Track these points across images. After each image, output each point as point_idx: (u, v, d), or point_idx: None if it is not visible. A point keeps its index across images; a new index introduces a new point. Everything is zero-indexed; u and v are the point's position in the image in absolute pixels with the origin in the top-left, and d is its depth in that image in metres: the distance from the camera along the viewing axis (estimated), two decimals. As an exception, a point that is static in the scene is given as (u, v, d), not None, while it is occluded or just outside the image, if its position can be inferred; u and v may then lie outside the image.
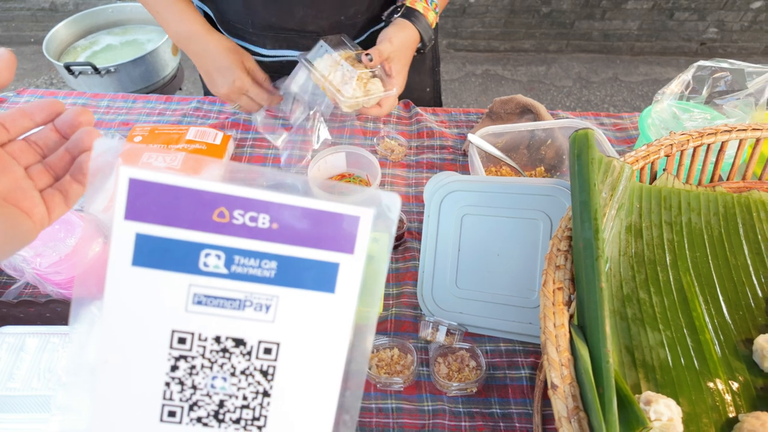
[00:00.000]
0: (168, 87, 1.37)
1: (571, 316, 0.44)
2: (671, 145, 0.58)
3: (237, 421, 0.27)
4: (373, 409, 0.57)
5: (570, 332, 0.41)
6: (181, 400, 0.27)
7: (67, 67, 1.20)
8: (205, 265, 0.25)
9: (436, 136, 0.88)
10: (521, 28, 2.54)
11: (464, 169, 0.83)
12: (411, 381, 0.58)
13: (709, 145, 0.61)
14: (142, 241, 0.25)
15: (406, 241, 0.73)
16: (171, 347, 0.26)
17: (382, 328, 0.64)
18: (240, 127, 0.87)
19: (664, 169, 0.60)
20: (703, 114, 0.68)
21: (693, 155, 0.61)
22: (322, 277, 0.26)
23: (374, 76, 0.71)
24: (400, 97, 0.94)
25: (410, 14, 0.75)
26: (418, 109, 0.92)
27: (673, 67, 2.60)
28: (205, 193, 0.25)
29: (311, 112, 0.81)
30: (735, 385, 0.45)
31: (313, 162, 0.73)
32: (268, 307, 0.26)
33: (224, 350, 0.26)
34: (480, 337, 0.63)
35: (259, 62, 0.84)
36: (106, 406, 0.26)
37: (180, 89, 1.44)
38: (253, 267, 0.26)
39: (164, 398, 0.26)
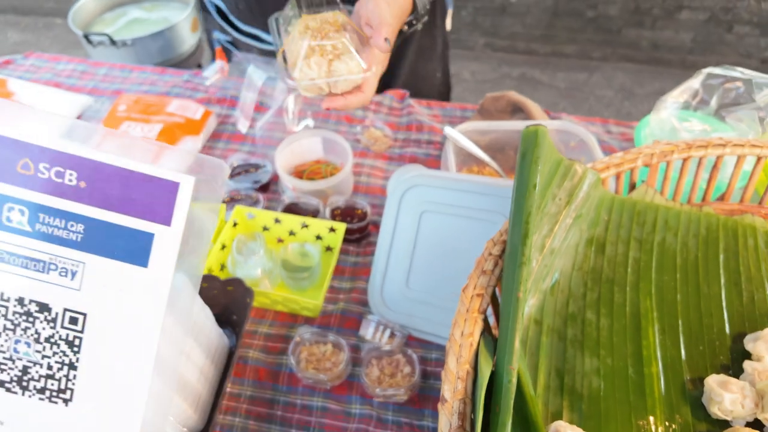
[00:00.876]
0: (186, 63, 1.39)
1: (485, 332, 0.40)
2: (652, 154, 0.52)
3: (42, 391, 0.25)
4: (297, 404, 0.54)
5: (479, 344, 0.37)
6: (-19, 362, 0.25)
7: (86, 37, 1.24)
8: (8, 219, 0.23)
9: (425, 130, 0.84)
10: (564, 31, 2.43)
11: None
12: (341, 380, 0.55)
13: (701, 159, 0.54)
14: (-64, 186, 0.23)
15: (369, 234, 0.69)
16: (-29, 304, 0.24)
17: (325, 322, 0.61)
18: (226, 103, 0.86)
19: (643, 181, 0.54)
20: (702, 125, 0.61)
21: (682, 170, 0.55)
22: (134, 248, 0.24)
23: (346, 52, 0.53)
24: (405, 87, 0.91)
25: None
26: (411, 101, 0.88)
27: (727, 84, 2.43)
28: (9, 140, 0.23)
29: (294, 95, 0.79)
30: (672, 427, 0.39)
31: (285, 143, 0.71)
32: (74, 273, 0.24)
33: (28, 314, 0.24)
34: (428, 344, 0.59)
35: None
36: None
37: (199, 66, 1.46)
38: (59, 228, 0.24)
39: (-37, 358, 0.25)
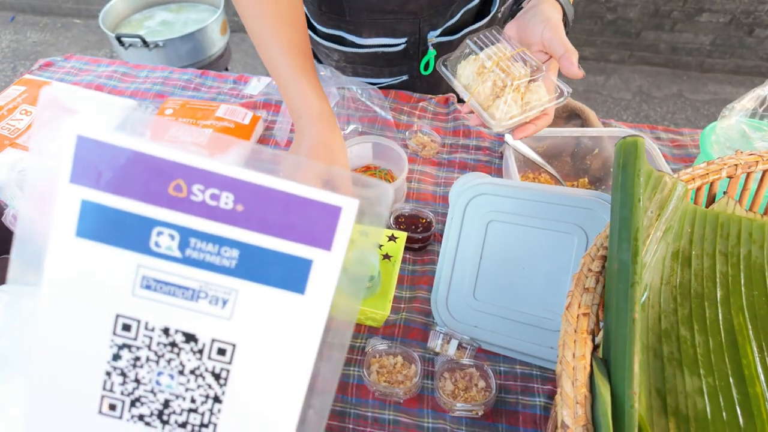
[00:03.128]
0: (214, 65, 1.38)
1: (596, 348, 0.38)
2: (736, 165, 0.51)
3: (183, 425, 0.24)
4: (368, 417, 0.53)
5: (591, 366, 0.36)
6: (122, 393, 0.24)
7: (118, 38, 1.22)
8: (157, 245, 0.22)
9: (473, 135, 0.82)
10: (582, 34, 2.42)
11: (499, 173, 0.77)
12: (413, 393, 0.54)
13: (781, 169, 0.53)
14: (88, 209, 0.22)
15: (429, 243, 0.68)
16: (114, 333, 0.23)
17: (389, 333, 0.59)
18: (272, 108, 0.85)
19: (724, 192, 0.53)
20: (776, 134, 0.60)
21: (761, 180, 0.54)
22: (291, 274, 0.23)
23: (534, 80, 0.54)
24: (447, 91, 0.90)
25: None
26: (457, 105, 0.86)
27: (746, 87, 2.41)
28: (161, 161, 0.21)
29: (342, 98, 0.78)
30: (786, 452, 0.38)
31: (338, 150, 0.70)
32: (225, 302, 0.23)
33: (173, 344, 0.23)
34: (495, 355, 0.58)
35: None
36: (42, 392, 0.23)
37: (227, 69, 1.44)
38: (211, 253, 0.22)
39: (104, 389, 0.23)
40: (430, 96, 0.88)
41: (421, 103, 0.87)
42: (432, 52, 0.81)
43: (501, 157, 0.79)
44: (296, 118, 0.57)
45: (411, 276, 0.65)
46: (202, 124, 0.74)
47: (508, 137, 0.67)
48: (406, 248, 0.66)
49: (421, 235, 0.65)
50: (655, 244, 0.46)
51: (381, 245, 0.64)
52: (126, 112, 0.82)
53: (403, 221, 0.67)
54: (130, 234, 0.22)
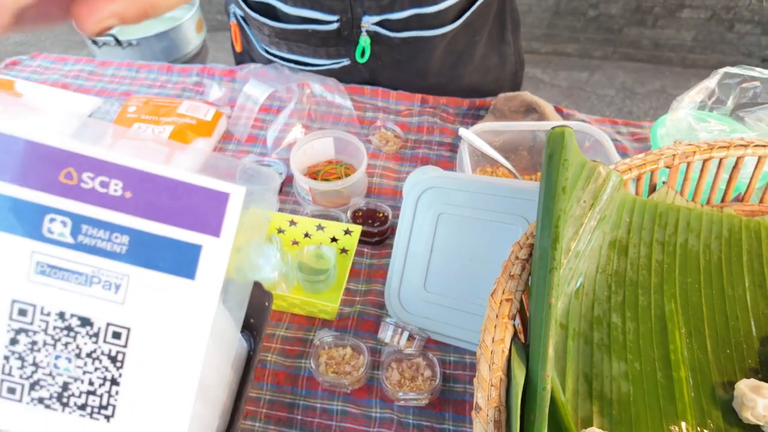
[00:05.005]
0: (190, 63, 1.38)
1: (526, 333, 0.40)
2: (674, 155, 0.52)
3: (82, 407, 0.25)
4: (317, 408, 0.54)
5: (510, 350, 0.37)
6: (21, 377, 0.24)
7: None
8: (50, 231, 0.23)
9: (436, 132, 0.83)
10: (565, 30, 2.43)
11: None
12: (361, 384, 0.55)
13: (721, 160, 0.54)
14: (-22, 197, 0.22)
15: (388, 237, 0.69)
16: (11, 318, 0.24)
17: (342, 325, 0.60)
18: (237, 105, 0.85)
19: (664, 182, 0.54)
20: (721, 126, 0.61)
21: (702, 170, 0.55)
22: (181, 260, 0.24)
23: None
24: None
25: None
26: (420, 105, 0.87)
27: (728, 82, 2.43)
28: (52, 149, 0.22)
29: (302, 95, 0.79)
30: (704, 433, 0.39)
31: (298, 146, 0.71)
32: (118, 287, 0.24)
33: (69, 328, 0.24)
34: (446, 346, 0.59)
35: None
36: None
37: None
38: (103, 239, 0.23)
39: (3, 372, 0.24)
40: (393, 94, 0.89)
41: (385, 101, 0.88)
42: (365, 40, 0.79)
43: (462, 152, 0.80)
44: None
45: (368, 270, 0.66)
46: (164, 121, 0.74)
47: (462, 131, 0.68)
48: (364, 242, 0.67)
49: (377, 228, 0.66)
50: (588, 233, 0.47)
51: (336, 239, 0.65)
52: (90, 110, 0.82)
53: (360, 215, 0.68)
54: (23, 220, 0.23)
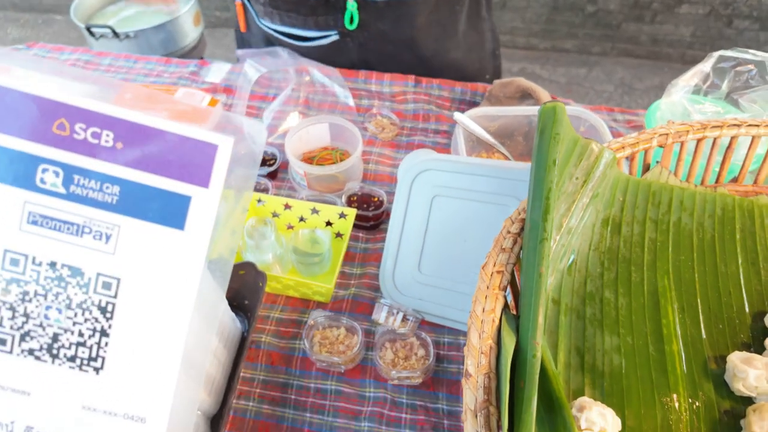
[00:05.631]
0: (188, 56, 1.38)
1: (516, 306, 0.40)
2: (666, 134, 0.52)
3: (72, 359, 0.25)
4: (311, 388, 0.54)
5: (501, 320, 0.37)
6: (12, 327, 0.25)
7: (88, 29, 1.23)
8: (42, 181, 0.23)
9: (432, 120, 0.84)
10: (563, 26, 2.44)
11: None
12: (355, 363, 0.55)
13: (715, 140, 0.54)
14: (-30, 147, 0.23)
15: (383, 222, 0.69)
16: (2, 268, 0.24)
17: (337, 307, 0.61)
18: (234, 93, 0.86)
19: (657, 162, 0.54)
20: (715, 108, 0.61)
21: (696, 151, 0.55)
22: (170, 210, 0.24)
23: None
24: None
25: None
26: (414, 85, 0.87)
27: (726, 79, 2.43)
28: (45, 100, 0.23)
29: (300, 83, 0.79)
30: (696, 404, 0.39)
31: (293, 131, 0.71)
32: (108, 237, 0.24)
33: (60, 279, 0.24)
34: (440, 327, 0.59)
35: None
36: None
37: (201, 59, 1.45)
38: (94, 190, 0.23)
39: (-7, 324, 0.24)
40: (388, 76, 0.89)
41: (379, 86, 0.88)
42: (352, 5, 0.79)
43: (458, 139, 0.80)
44: None
45: (363, 253, 0.66)
46: (159, 108, 0.74)
47: (457, 115, 0.68)
48: (359, 227, 0.67)
49: (372, 213, 0.66)
50: (581, 210, 0.47)
51: (331, 223, 0.65)
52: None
53: (355, 200, 0.68)
54: (16, 171, 0.23)
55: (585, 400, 0.36)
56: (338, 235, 0.66)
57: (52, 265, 0.24)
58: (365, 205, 0.67)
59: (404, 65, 0.88)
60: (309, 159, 0.74)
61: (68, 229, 0.23)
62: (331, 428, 0.51)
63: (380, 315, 0.57)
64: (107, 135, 0.23)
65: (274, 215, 0.66)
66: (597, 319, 0.44)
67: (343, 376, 0.55)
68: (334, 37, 0.86)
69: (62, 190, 0.23)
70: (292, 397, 0.53)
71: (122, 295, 0.24)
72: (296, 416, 0.52)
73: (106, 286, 0.24)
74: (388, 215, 0.70)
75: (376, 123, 0.81)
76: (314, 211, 0.65)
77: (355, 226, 0.67)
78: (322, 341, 0.55)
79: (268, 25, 0.88)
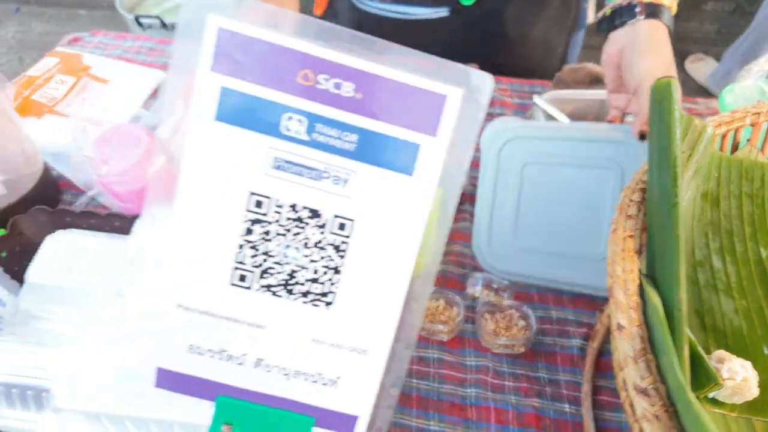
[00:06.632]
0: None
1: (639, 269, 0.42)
2: (758, 113, 0.54)
3: (305, 294, 0.27)
4: (413, 357, 0.56)
5: (640, 280, 0.39)
6: (252, 265, 0.27)
7: (137, 19, 1.25)
8: (287, 129, 0.25)
9: (497, 105, 0.86)
10: (591, 24, 2.45)
11: (524, 139, 0.80)
12: (455, 333, 0.57)
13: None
14: (227, 95, 0.25)
15: (463, 203, 0.71)
16: (248, 210, 0.26)
17: (429, 281, 0.63)
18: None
19: (748, 140, 0.56)
20: (793, 90, 0.63)
21: (782, 130, 0.57)
22: (401, 157, 0.26)
23: None
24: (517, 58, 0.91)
25: (657, 13, 0.60)
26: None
27: (747, 75, 2.45)
28: (292, 52, 0.24)
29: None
30: (817, 361, 0.41)
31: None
32: (345, 181, 0.26)
33: (299, 219, 0.26)
34: (530, 302, 0.61)
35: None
36: (184, 265, 0.26)
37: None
38: (334, 137, 0.25)
39: (236, 261, 0.26)
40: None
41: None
42: None
43: (526, 124, 0.82)
44: None
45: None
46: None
47: (536, 98, 0.70)
48: (441, 205, 0.69)
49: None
50: (686, 183, 0.49)
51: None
52: (157, 82, 0.85)
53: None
54: (263, 119, 0.25)
55: (722, 352, 0.38)
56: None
57: (293, 207, 0.26)
58: (447, 186, 0.69)
59: (491, 45, 0.87)
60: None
61: (309, 173, 0.25)
62: (439, 394, 0.53)
63: (475, 288, 0.59)
64: (348, 86, 0.25)
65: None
66: (711, 285, 0.46)
67: (444, 346, 0.56)
68: (443, 13, 0.84)
69: (305, 138, 0.25)
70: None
71: (355, 236, 0.26)
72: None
73: (341, 227, 0.26)
74: (467, 197, 0.72)
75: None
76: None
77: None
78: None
79: (371, 4, 0.86)
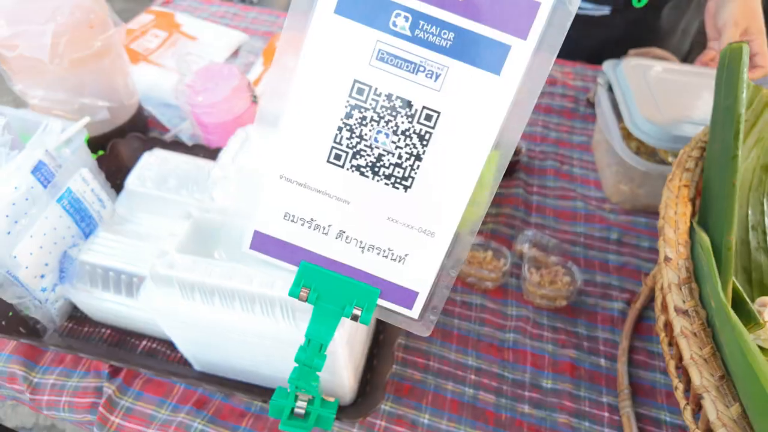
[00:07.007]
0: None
1: (691, 216, 0.44)
2: (829, 93, 0.54)
3: (388, 177, 0.31)
4: (457, 301, 0.59)
5: (690, 222, 0.41)
6: (347, 146, 0.30)
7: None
8: (394, 24, 0.29)
9: (559, 84, 0.87)
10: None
11: (584, 119, 0.82)
12: (499, 283, 0.60)
13: None
14: (345, -10, 0.29)
15: (517, 171, 0.74)
16: (350, 95, 0.30)
17: (477, 237, 0.66)
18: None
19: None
20: None
21: None
22: (492, 57, 0.29)
23: None
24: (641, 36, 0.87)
25: None
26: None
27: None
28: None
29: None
30: None
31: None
32: (438, 76, 0.29)
33: (393, 108, 0.30)
34: (577, 266, 0.63)
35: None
36: (288, 139, 0.31)
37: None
38: (433, 35, 0.29)
39: (334, 141, 0.31)
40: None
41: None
42: None
43: (587, 105, 0.83)
44: None
45: (498, 197, 0.71)
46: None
47: (602, 80, 0.72)
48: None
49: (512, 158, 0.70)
50: (747, 150, 0.50)
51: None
52: (238, 42, 0.91)
53: (494, 145, 0.72)
54: (375, 14, 0.29)
55: (765, 298, 0.39)
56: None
57: (389, 96, 0.30)
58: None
59: (650, 39, 0.86)
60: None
61: (407, 66, 0.29)
62: (479, 335, 0.56)
63: (524, 245, 0.62)
64: (452, -13, 0.28)
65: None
66: (762, 247, 0.47)
67: (487, 294, 0.59)
68: (604, 11, 0.84)
69: (408, 33, 0.29)
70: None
71: (439, 127, 0.30)
72: (445, 321, 0.57)
73: (428, 117, 0.30)
74: (522, 166, 0.74)
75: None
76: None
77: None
78: (471, 260, 0.60)
79: None
